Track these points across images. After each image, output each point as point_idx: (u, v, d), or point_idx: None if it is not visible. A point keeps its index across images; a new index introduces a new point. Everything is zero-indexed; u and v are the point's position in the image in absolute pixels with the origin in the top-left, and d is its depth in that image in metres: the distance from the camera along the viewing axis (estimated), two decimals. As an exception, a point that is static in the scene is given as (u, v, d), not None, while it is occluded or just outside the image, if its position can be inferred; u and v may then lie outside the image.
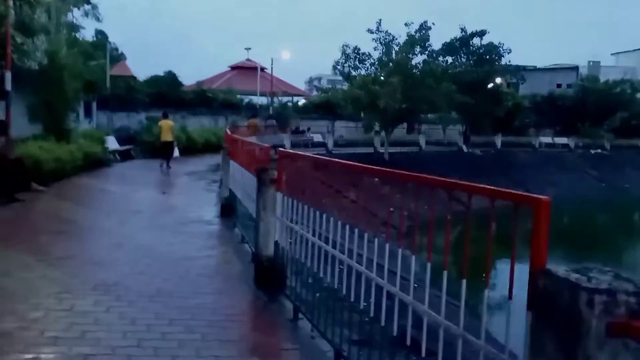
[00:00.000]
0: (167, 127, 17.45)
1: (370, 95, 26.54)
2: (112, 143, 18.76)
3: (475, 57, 34.50)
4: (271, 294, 4.96)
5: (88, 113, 24.11)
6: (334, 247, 4.21)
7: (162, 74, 35.23)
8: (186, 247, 6.77)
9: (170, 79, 33.43)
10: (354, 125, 38.15)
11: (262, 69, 42.77)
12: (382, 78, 27.20)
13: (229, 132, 11.14)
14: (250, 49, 50.34)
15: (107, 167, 16.33)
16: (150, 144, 21.10)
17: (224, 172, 9.20)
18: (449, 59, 33.61)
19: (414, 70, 26.88)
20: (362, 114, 32.19)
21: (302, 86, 65.96)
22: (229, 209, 8.94)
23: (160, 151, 17.47)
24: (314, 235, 4.47)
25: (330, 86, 41.67)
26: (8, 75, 11.26)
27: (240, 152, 7.80)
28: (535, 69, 62.13)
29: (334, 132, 30.24)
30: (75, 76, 15.27)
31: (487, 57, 34.28)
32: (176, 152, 18.42)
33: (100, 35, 49.31)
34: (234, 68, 47.70)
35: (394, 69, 26.64)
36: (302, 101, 45.06)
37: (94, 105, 25.13)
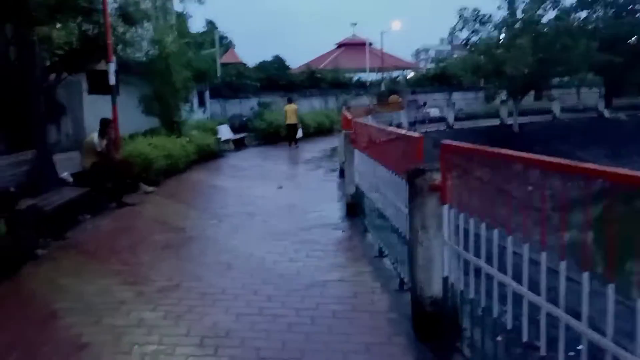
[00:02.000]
0: (292, 111, 19.10)
1: (494, 61, 23.79)
2: (225, 132, 18.15)
3: (614, 9, 29.90)
4: (443, 357, 3.40)
5: (202, 103, 23.99)
6: (533, 288, 2.60)
7: (269, 59, 34.84)
8: (312, 264, 5.39)
9: (279, 63, 32.82)
10: (473, 96, 35.16)
11: (370, 44, 40.98)
12: (506, 41, 24.22)
13: (348, 115, 9.60)
14: (356, 24, 48.77)
15: (220, 158, 15.65)
16: (263, 130, 20.35)
17: (347, 164, 7.72)
18: (582, 14, 29.39)
19: (545, 29, 23.54)
20: (483, 83, 29.31)
21: (409, 59, 63.09)
22: (355, 208, 7.50)
23: (287, 133, 19.24)
24: (501, 270, 2.86)
25: (443, 56, 38.65)
26: (111, 68, 10.58)
27: (371, 141, 6.24)
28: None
29: (454, 105, 27.64)
30: (184, 65, 14.62)
31: (630, 7, 29.56)
32: (300, 133, 19.47)
33: (210, 24, 50.25)
34: (340, 45, 46.32)
35: (521, 29, 23.55)
36: (410, 74, 42.57)
37: (207, 94, 24.97)
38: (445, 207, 3.42)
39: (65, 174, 8.23)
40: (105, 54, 10.69)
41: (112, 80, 10.72)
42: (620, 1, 30.21)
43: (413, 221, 3.65)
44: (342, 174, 11.40)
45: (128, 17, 11.66)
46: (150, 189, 9.14)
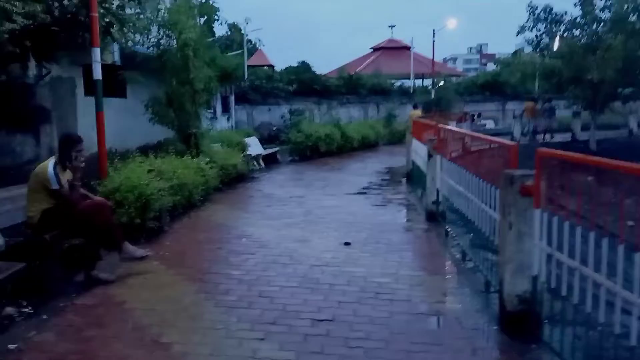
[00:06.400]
0: (417, 116, 17.76)
1: (574, 66, 19.88)
2: (254, 146, 14.55)
3: None
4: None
5: (225, 109, 20.51)
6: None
7: (295, 65, 31.13)
8: None
9: (305, 70, 29.11)
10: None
11: (408, 48, 37.44)
12: (589, 43, 20.30)
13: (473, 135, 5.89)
14: (394, 26, 44.99)
15: (249, 183, 12.06)
16: (299, 144, 16.71)
17: (514, 238, 4.01)
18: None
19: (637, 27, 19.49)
20: (557, 91, 25.33)
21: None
22: (530, 318, 3.84)
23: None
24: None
25: (504, 59, 34.35)
26: (96, 54, 7.08)
27: None
28: None
29: (521, 116, 23.87)
30: (207, 62, 11.12)
31: None
32: None
33: (234, 27, 46.95)
34: (376, 49, 42.68)
35: (609, 28, 19.65)
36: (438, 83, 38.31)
37: (232, 99, 21.49)
38: None
39: (-9, 233, 4.71)
40: (90, 35, 7.22)
41: (96, 73, 7.22)
42: None
43: None
44: (430, 217, 7.72)
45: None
46: (142, 252, 5.55)
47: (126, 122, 10.90)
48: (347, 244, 6.58)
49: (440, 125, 7.66)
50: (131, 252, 5.36)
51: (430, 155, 7.73)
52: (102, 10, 7.17)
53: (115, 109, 10.74)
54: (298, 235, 7.02)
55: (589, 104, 21.67)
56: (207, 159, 9.71)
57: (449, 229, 6.84)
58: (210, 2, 11.61)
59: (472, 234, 5.71)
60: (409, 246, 6.66)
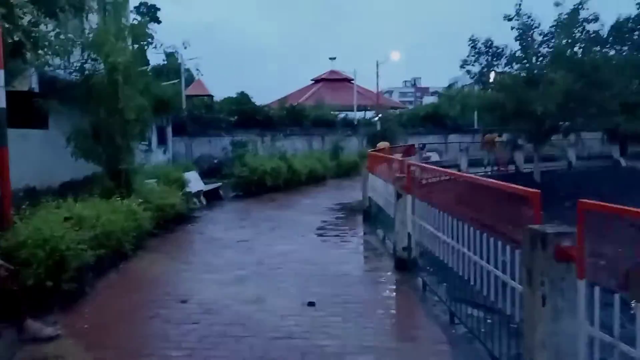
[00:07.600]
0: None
1: (516, 99, 20.02)
2: (195, 182, 13.23)
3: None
4: None
5: (162, 141, 19.10)
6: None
7: (234, 95, 30.05)
8: None
9: (244, 101, 28.08)
10: (470, 139, 31.52)
11: (349, 80, 37.35)
12: (531, 76, 20.57)
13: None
14: (335, 58, 44.85)
15: (190, 225, 10.76)
16: (244, 178, 15.56)
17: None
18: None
19: (580, 62, 19.89)
20: (500, 124, 25.59)
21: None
22: None
23: None
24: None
25: (447, 93, 34.94)
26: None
27: None
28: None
29: (467, 149, 23.79)
30: (140, 89, 9.89)
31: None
32: None
33: (170, 57, 45.36)
34: (318, 81, 42.36)
35: (550, 62, 19.99)
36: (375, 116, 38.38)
37: (169, 130, 20.11)
38: None
39: None
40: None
41: (1, 101, 5.89)
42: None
43: None
44: (400, 266, 6.81)
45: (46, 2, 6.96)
46: (50, 331, 4.23)
47: (48, 156, 9.48)
48: (311, 304, 5.49)
49: (411, 162, 6.82)
50: (35, 331, 4.07)
51: (399, 195, 6.85)
52: (8, 25, 5.88)
53: (36, 141, 9.30)
54: (251, 294, 5.87)
55: (532, 137, 21.89)
56: (140, 200, 8.40)
57: (426, 281, 5.94)
58: (145, 26, 10.41)
59: (457, 289, 4.83)
60: (384, 305, 5.66)
